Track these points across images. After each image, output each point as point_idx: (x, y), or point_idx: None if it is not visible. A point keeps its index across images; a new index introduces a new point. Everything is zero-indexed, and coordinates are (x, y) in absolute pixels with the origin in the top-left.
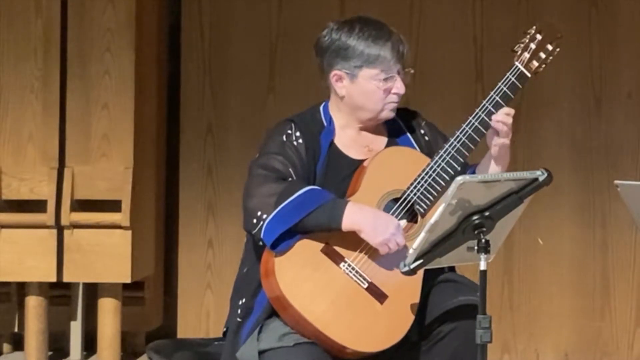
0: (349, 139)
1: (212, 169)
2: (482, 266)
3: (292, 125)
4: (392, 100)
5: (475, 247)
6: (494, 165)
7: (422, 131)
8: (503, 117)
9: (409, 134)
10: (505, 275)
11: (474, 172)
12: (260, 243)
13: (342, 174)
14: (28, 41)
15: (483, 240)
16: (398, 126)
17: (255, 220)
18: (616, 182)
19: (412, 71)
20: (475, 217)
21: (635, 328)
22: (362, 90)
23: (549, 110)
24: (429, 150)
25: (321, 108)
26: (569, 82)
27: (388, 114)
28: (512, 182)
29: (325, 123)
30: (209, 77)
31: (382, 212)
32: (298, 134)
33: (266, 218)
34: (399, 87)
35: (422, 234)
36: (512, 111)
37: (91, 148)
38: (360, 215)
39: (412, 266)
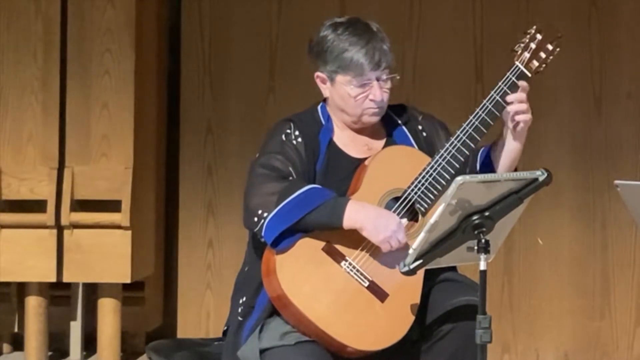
0: (347, 138)
1: (212, 169)
2: (482, 266)
3: (291, 124)
4: (370, 106)
5: (475, 247)
6: (513, 142)
7: (420, 127)
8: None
9: (405, 129)
10: (505, 275)
11: (488, 152)
12: (262, 240)
13: (342, 173)
14: (28, 41)
15: (483, 240)
16: (395, 123)
17: (256, 219)
18: (616, 182)
19: (397, 77)
20: (475, 217)
21: (635, 328)
22: (340, 94)
23: (548, 110)
24: (428, 146)
25: (319, 107)
26: (569, 82)
27: (369, 119)
28: (512, 182)
29: (323, 122)
30: (209, 77)
31: (383, 210)
32: (297, 133)
33: (267, 216)
34: (375, 94)
35: (422, 234)
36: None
37: (91, 148)
38: (361, 213)
39: (411, 266)
